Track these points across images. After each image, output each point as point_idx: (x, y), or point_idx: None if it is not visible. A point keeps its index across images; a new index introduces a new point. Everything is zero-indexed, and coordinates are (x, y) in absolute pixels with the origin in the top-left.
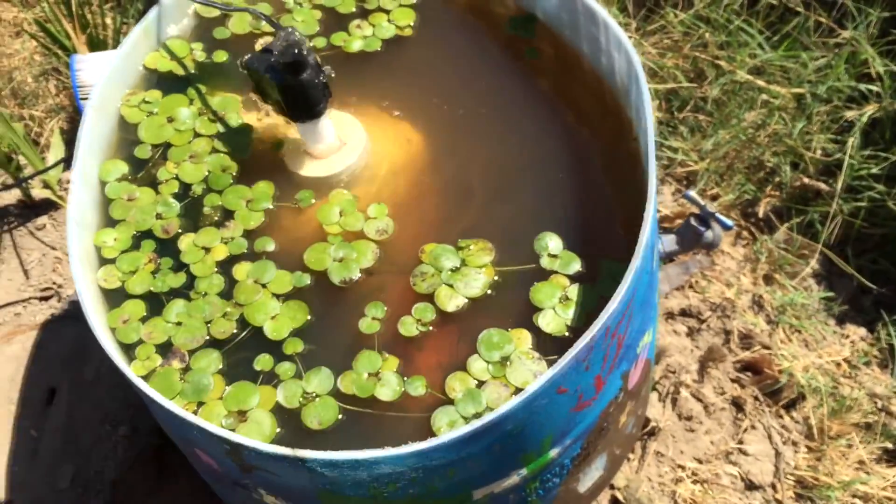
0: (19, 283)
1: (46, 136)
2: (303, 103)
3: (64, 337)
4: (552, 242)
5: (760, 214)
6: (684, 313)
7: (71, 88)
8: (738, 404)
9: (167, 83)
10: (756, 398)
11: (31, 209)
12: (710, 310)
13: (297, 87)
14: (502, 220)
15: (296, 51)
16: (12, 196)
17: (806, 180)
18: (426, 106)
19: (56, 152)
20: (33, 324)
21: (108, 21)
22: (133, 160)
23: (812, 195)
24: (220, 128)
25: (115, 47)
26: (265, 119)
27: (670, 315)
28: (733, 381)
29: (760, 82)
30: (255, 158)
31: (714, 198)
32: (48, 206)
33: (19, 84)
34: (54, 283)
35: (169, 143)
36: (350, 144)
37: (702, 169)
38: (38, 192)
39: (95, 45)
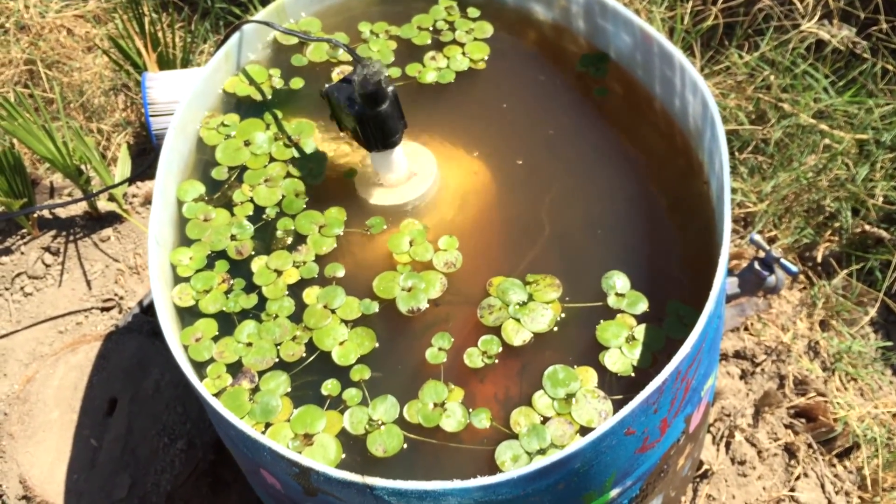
0: (82, 293)
1: (113, 150)
2: (379, 134)
3: (126, 349)
4: (619, 281)
5: (818, 259)
6: (738, 355)
7: (140, 104)
8: (791, 451)
9: (245, 107)
10: (809, 445)
11: (96, 221)
12: (764, 353)
13: (375, 118)
14: (569, 257)
15: (376, 82)
16: (79, 207)
17: (867, 227)
18: (495, 140)
19: (123, 166)
20: (96, 334)
21: (177, 40)
22: (210, 181)
23: (872, 242)
24: (294, 153)
25: (183, 66)
26: (339, 146)
27: (724, 356)
28: (787, 427)
29: (824, 126)
30: (328, 185)
31: (771, 240)
32: (113, 219)
33: (89, 98)
34: (115, 295)
35: (245, 167)
36: (421, 175)
37: (760, 210)
38: (103, 205)
39: (165, 63)
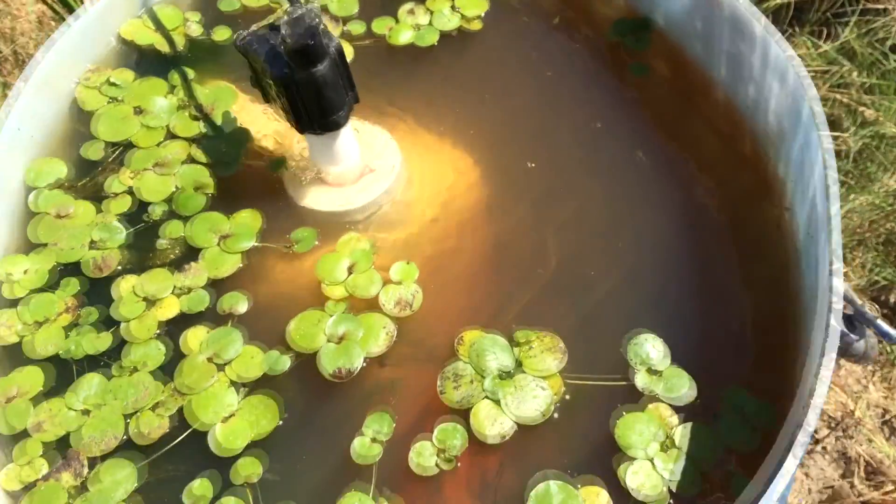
0: None
1: None
2: (315, 108)
3: None
4: (653, 349)
5: None
6: None
7: None
8: None
9: (145, 62)
10: None
11: None
12: (827, 426)
13: (308, 85)
14: (581, 306)
15: (308, 30)
16: None
17: None
18: (490, 129)
19: None
20: None
21: None
22: (78, 161)
23: None
24: (203, 129)
25: None
26: (269, 125)
27: None
28: None
29: None
30: (244, 177)
31: None
32: None
33: (23, 47)
34: None
35: (131, 144)
36: (379, 171)
37: None
38: None
39: None
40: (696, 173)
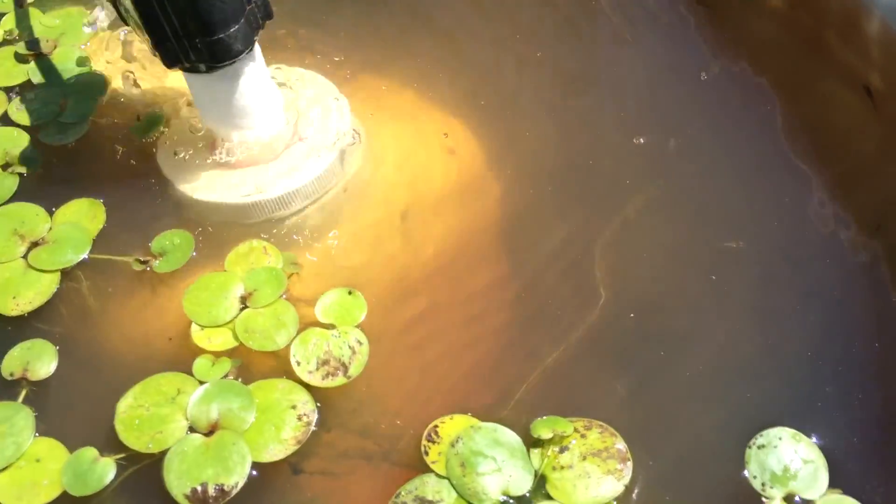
0: None
1: None
2: (187, 17)
3: None
4: (796, 457)
5: None
6: None
7: None
8: None
9: None
10: None
11: None
12: None
13: None
14: (655, 375)
15: None
16: None
17: None
18: (498, 86)
19: None
20: None
21: None
22: None
23: None
24: (33, 74)
25: None
26: (143, 67)
27: None
28: None
29: None
30: (91, 148)
31: None
32: None
33: None
34: None
35: None
36: (313, 142)
37: None
38: None
39: None
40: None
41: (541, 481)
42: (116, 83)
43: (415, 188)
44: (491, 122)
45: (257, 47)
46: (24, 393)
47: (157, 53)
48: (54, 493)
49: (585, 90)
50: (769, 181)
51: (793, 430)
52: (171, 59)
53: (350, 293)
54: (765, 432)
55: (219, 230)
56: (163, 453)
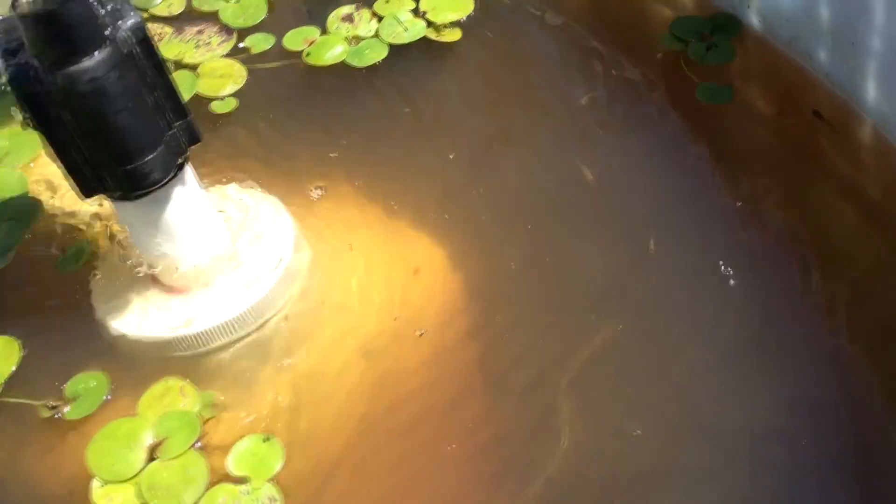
0: None
1: None
2: (99, 148)
3: None
4: None
5: None
6: None
7: None
8: None
9: None
10: None
11: None
12: None
13: (73, 99)
14: None
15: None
16: None
17: None
18: (468, 201)
19: None
20: None
21: None
22: None
23: None
24: None
25: None
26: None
27: None
28: None
29: None
30: (14, 278)
31: None
32: None
33: None
34: None
35: None
36: (251, 266)
37: None
38: None
39: None
40: (827, 277)
41: None
42: (50, 206)
43: (365, 318)
44: (468, 249)
45: (188, 169)
46: None
47: (70, 182)
48: None
49: (579, 233)
50: None
51: None
52: (87, 190)
53: (266, 440)
54: None
55: (139, 367)
56: None
